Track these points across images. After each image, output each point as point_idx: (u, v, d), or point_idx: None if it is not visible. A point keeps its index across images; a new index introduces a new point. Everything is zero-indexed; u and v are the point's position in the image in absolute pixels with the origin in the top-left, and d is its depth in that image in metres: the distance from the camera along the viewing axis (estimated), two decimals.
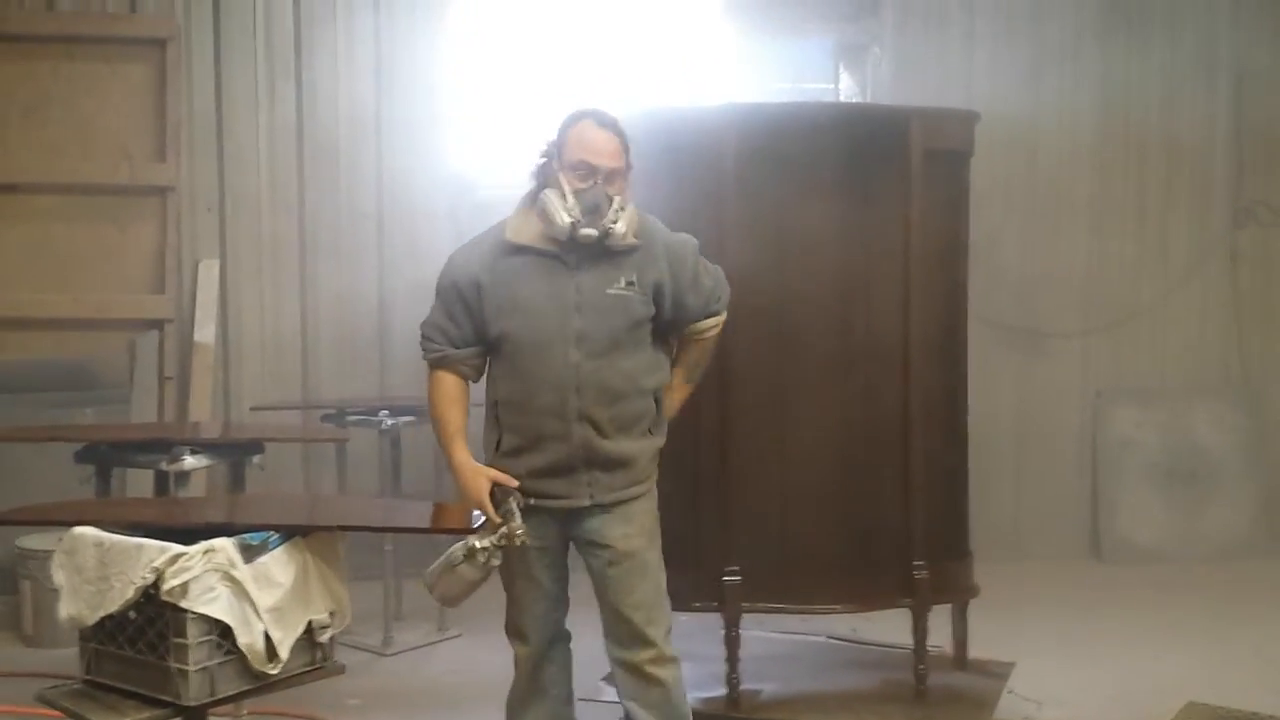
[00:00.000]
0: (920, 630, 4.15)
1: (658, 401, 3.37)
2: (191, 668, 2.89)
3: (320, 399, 6.08)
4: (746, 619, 4.12)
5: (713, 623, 4.14)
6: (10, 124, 5.81)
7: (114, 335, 5.92)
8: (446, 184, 6.35)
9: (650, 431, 3.35)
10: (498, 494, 3.23)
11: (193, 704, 2.91)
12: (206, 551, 2.92)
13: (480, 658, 5.03)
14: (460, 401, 3.34)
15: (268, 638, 2.99)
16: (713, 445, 4.06)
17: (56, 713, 3.07)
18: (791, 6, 6.56)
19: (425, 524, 3.62)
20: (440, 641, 5.32)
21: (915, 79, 6.48)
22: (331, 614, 3.17)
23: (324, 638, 3.16)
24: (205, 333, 6.01)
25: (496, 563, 3.21)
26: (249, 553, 3.00)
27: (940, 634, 4.35)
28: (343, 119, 6.27)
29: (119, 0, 6.09)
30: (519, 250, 3.25)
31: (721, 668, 4.11)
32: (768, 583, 4.06)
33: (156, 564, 2.89)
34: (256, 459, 4.58)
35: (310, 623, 3.11)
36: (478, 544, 3.17)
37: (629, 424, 3.28)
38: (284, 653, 3.03)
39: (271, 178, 6.26)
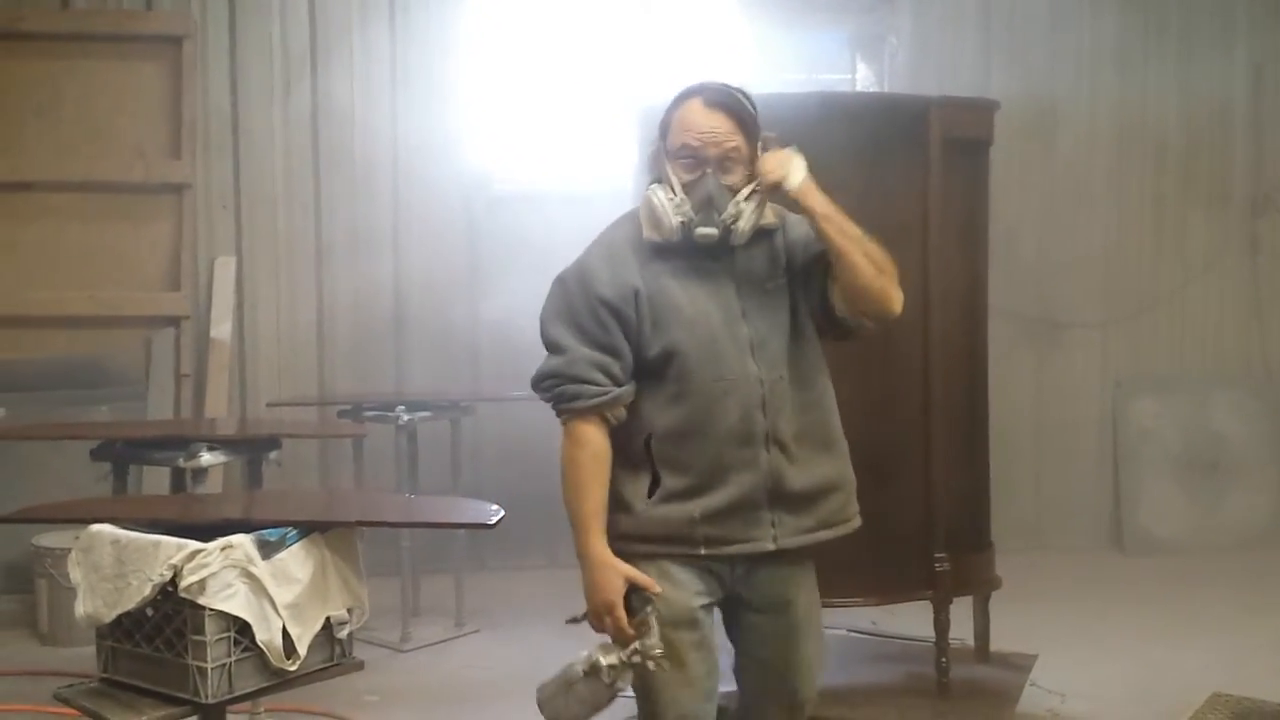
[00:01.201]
0: (942, 623, 4.12)
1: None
2: (210, 665, 2.87)
3: (336, 395, 6.08)
4: None
5: None
6: (25, 123, 5.82)
7: (129, 333, 5.93)
8: (461, 178, 6.34)
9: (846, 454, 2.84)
10: (634, 600, 2.62)
11: (211, 701, 2.90)
12: (224, 548, 2.90)
13: (498, 653, 5.02)
14: (605, 469, 2.68)
15: (286, 634, 2.97)
16: None
17: (74, 711, 3.06)
18: None
19: (443, 519, 3.60)
20: (458, 637, 5.31)
21: (932, 69, 6.44)
22: (350, 610, 3.15)
23: (342, 634, 3.14)
24: (221, 330, 6.01)
25: (624, 685, 2.61)
26: (267, 549, 2.98)
27: (962, 627, 4.33)
28: (358, 114, 6.26)
29: None
30: (663, 250, 2.69)
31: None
32: None
33: (174, 561, 2.87)
34: (273, 455, 4.57)
35: (328, 619, 3.09)
36: (603, 660, 2.58)
37: (823, 439, 2.77)
38: (302, 649, 3.02)
39: (287, 174, 6.25)
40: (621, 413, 2.67)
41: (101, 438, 4.59)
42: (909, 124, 4.09)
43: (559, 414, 2.70)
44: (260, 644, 2.94)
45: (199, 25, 6.03)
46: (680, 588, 2.67)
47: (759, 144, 2.70)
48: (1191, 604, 5.62)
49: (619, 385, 2.66)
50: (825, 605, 4.27)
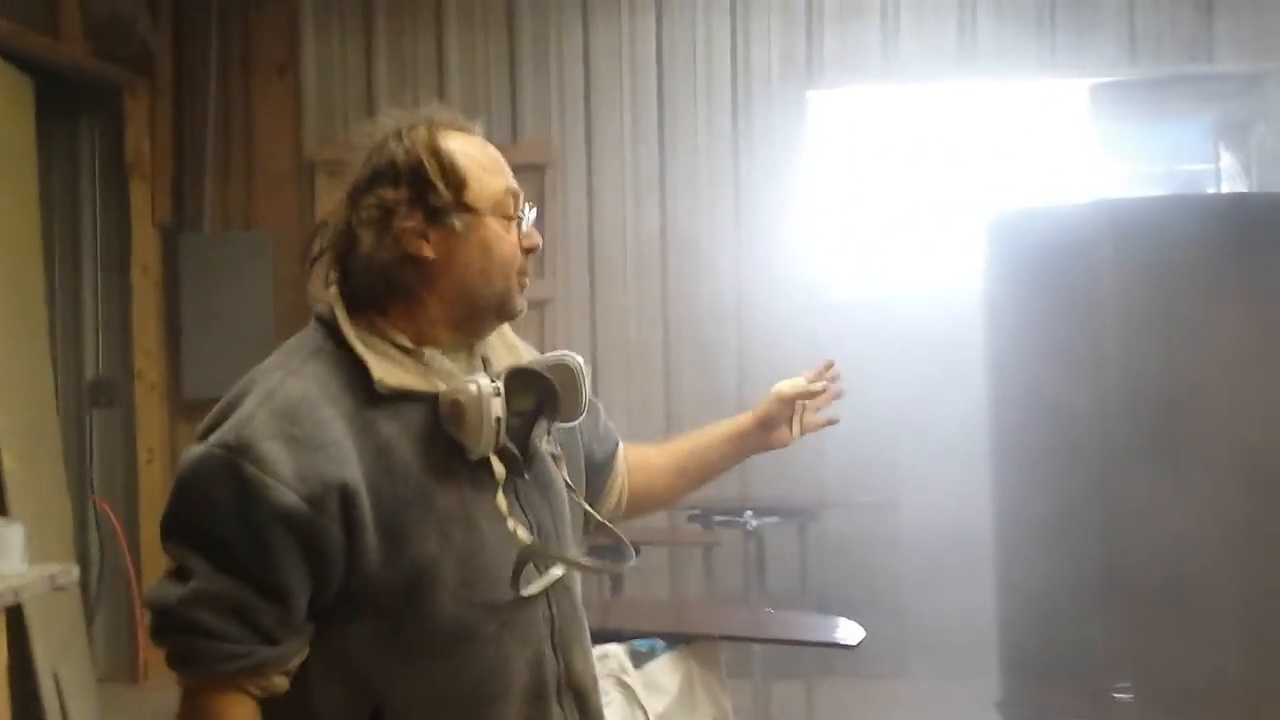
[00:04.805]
0: None
1: None
2: None
3: (686, 500, 6.20)
4: None
5: None
6: None
7: None
8: (801, 285, 6.44)
9: None
10: None
11: None
12: (600, 658, 3.03)
13: None
14: None
15: None
16: (1089, 543, 3.90)
17: None
18: (1164, 89, 6.30)
19: (805, 636, 3.63)
20: None
21: None
22: None
23: None
24: None
25: None
26: (638, 659, 3.10)
27: None
28: (703, 228, 6.50)
29: (502, 130, 6.56)
30: (397, 407, 1.68)
31: None
32: (1164, 701, 3.82)
33: None
34: (633, 561, 4.71)
35: None
36: None
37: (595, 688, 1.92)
38: None
39: (637, 287, 6.55)
40: (278, 684, 1.66)
41: None
42: None
43: (177, 675, 1.66)
44: None
45: (560, 154, 6.46)
46: None
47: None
48: None
49: (271, 642, 1.62)
50: None
